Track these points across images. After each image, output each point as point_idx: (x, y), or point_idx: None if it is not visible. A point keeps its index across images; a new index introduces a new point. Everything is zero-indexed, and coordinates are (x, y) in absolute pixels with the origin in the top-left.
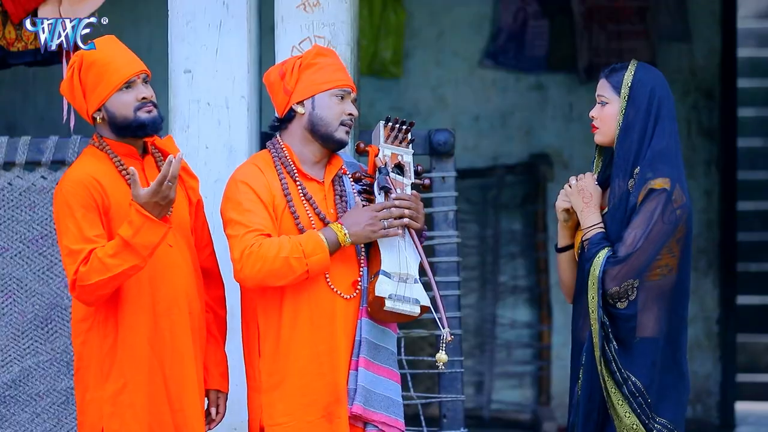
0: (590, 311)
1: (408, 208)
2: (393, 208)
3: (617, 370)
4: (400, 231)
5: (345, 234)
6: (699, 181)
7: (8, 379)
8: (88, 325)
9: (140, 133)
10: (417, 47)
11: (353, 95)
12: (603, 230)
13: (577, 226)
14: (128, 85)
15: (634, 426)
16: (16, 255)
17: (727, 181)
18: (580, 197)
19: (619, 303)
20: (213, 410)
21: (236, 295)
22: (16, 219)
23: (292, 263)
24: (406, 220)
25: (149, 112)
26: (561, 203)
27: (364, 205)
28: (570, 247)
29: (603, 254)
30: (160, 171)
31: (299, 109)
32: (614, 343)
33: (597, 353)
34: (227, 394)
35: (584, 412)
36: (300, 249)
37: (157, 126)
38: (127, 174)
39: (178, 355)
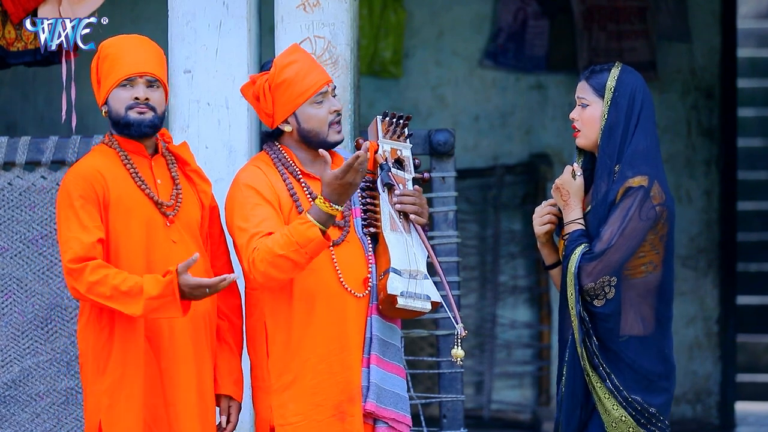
0: (570, 307)
1: (413, 204)
2: (355, 163)
3: (600, 364)
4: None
5: (329, 204)
6: (699, 181)
7: (8, 379)
8: (84, 320)
9: (126, 132)
10: (417, 47)
11: (331, 87)
12: (582, 227)
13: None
14: (129, 82)
15: (623, 418)
16: (16, 255)
17: (727, 181)
18: (559, 196)
19: (595, 300)
20: (223, 418)
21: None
22: (16, 219)
23: (292, 256)
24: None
25: (141, 113)
26: (538, 229)
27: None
28: (558, 263)
29: (579, 250)
30: (170, 173)
31: (286, 127)
32: (595, 339)
33: (579, 349)
34: (240, 404)
35: (567, 409)
36: (293, 241)
37: (143, 128)
38: (133, 168)
39: (175, 350)
